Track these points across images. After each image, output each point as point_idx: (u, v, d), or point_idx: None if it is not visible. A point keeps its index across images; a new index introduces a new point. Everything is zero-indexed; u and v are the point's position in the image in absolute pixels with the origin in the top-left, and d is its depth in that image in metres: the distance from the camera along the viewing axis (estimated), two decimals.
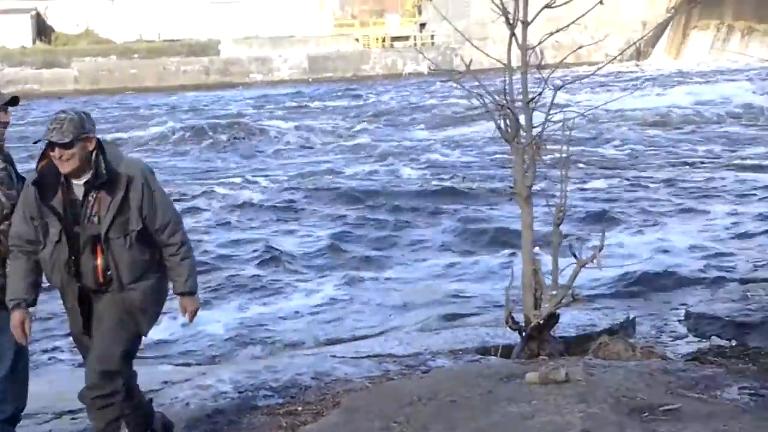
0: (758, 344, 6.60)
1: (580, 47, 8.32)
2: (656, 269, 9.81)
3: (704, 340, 7.12)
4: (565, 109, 6.23)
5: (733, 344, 6.82)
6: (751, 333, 6.81)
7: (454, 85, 6.40)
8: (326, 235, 12.83)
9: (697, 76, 42.78)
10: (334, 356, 6.19)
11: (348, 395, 5.17)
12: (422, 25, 58.75)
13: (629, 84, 37.10)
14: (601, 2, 6.56)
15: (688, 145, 21.21)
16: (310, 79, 50.77)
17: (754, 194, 14.63)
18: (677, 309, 8.27)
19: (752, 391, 4.79)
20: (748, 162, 18.14)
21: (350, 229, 13.24)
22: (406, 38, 56.33)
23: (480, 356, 6.09)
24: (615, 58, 32.43)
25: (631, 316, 7.25)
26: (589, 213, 13.27)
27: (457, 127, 26.51)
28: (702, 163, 18.45)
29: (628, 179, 16.64)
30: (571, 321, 6.64)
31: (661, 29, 62.26)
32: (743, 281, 8.51)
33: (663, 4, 63.70)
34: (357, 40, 55.47)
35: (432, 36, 55.64)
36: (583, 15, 6.68)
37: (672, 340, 7.38)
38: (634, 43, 52.74)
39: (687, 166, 17.97)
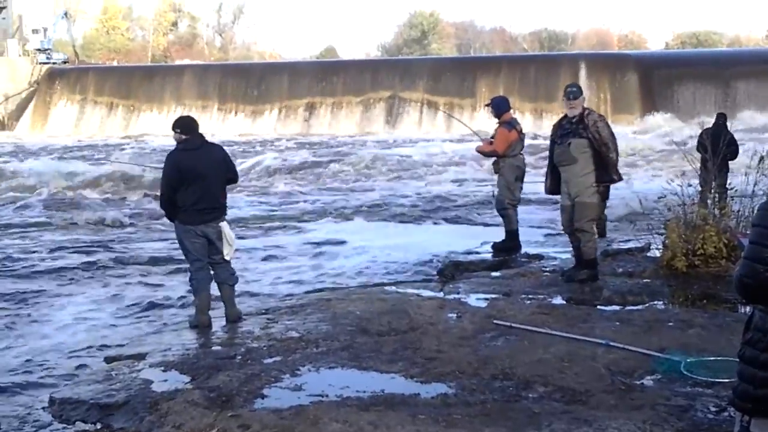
0: (122, 425, 6.63)
1: None
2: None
3: (69, 426, 6.94)
4: None
5: (98, 427, 6.77)
6: (115, 414, 6.81)
7: None
8: None
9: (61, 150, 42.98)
10: None
11: None
12: None
13: None
14: None
15: None
16: None
17: None
18: (42, 397, 7.89)
19: None
20: None
21: None
22: None
23: None
24: None
25: None
26: None
27: None
28: None
29: None
30: None
31: (26, 102, 61.66)
32: (108, 359, 8.49)
33: (25, 77, 63.29)
34: None
35: None
36: None
37: (35, 430, 7.04)
38: None
39: None
